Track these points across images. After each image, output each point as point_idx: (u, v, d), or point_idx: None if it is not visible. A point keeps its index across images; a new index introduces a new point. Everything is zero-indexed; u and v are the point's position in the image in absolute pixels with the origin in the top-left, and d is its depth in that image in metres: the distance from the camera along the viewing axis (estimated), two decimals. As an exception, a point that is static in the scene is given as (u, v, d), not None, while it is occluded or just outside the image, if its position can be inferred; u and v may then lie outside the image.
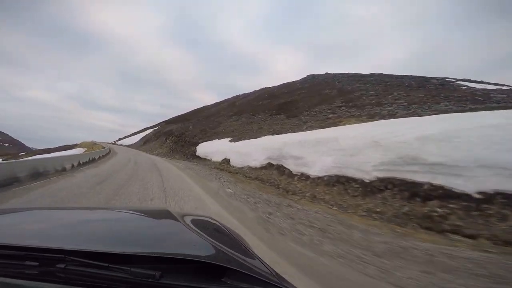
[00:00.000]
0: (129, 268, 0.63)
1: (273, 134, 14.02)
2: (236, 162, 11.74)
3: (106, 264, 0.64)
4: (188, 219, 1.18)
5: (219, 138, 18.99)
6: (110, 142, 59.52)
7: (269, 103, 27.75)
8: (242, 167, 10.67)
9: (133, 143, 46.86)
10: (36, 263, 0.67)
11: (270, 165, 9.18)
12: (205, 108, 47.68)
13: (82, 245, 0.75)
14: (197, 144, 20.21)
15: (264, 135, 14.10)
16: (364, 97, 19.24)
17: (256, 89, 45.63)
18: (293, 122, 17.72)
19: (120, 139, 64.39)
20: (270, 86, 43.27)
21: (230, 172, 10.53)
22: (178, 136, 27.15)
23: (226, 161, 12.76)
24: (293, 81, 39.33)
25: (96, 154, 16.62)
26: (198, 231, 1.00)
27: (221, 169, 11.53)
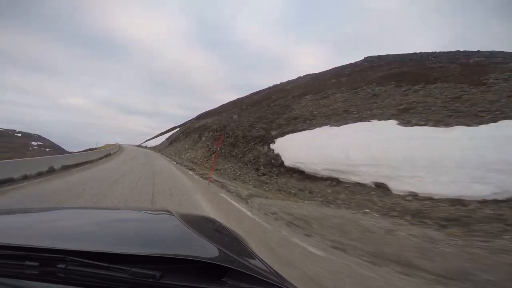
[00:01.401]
0: (129, 268, 0.61)
1: None
2: None
3: (106, 264, 0.62)
4: (188, 219, 1.19)
5: (331, 125, 7.88)
6: (136, 144, 54.47)
7: (358, 76, 18.81)
8: None
9: (158, 144, 38.56)
10: (37, 263, 0.65)
11: None
12: (239, 100, 37.11)
13: (82, 245, 0.73)
14: (269, 139, 9.42)
15: None
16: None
17: (301, 75, 35.65)
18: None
19: (146, 141, 58.76)
20: (316, 72, 33.77)
21: None
22: (220, 130, 16.79)
23: None
24: (352, 63, 28.57)
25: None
26: (198, 231, 0.99)
27: None
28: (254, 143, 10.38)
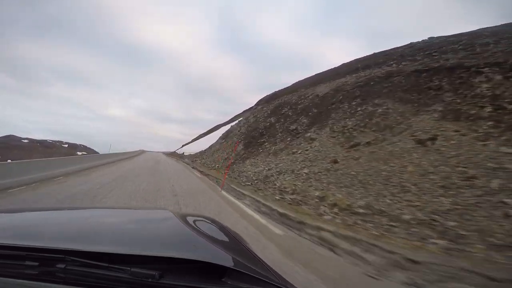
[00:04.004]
0: (129, 268, 0.61)
1: None
2: None
3: (106, 264, 0.62)
4: (188, 219, 1.16)
5: None
6: (170, 151, 44.60)
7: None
8: None
9: (204, 149, 23.27)
10: (36, 263, 0.64)
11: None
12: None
13: (82, 245, 0.71)
14: None
15: None
16: None
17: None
18: None
19: (183, 146, 47.38)
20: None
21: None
22: None
23: None
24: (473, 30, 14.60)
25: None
26: (198, 231, 0.98)
27: None
28: None
